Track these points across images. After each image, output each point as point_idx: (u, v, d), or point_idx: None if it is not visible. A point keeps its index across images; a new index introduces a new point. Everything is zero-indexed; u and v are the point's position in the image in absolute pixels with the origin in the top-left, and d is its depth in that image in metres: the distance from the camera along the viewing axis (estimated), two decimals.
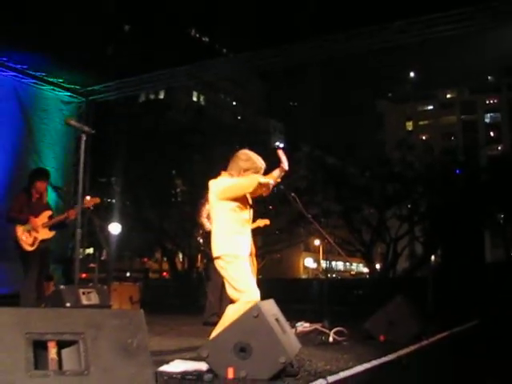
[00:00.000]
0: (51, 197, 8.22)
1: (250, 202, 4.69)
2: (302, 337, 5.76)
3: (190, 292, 15.37)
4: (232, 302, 4.45)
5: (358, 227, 19.72)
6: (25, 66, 10.61)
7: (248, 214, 4.65)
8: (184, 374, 3.60)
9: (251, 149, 4.97)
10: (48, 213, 6.79)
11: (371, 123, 75.92)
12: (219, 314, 5.72)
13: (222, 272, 4.48)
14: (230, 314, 4.28)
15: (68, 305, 5.71)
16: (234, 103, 70.01)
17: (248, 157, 4.69)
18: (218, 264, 4.52)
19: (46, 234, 6.69)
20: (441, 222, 17.62)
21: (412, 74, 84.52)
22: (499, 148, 66.95)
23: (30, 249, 6.55)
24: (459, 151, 28.76)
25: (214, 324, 4.70)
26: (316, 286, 16.21)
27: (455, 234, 16.05)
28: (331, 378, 3.73)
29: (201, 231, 7.41)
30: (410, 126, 79.40)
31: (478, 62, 77.88)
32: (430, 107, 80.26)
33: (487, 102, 76.74)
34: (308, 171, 20.12)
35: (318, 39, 10.05)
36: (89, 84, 11.68)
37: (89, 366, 2.41)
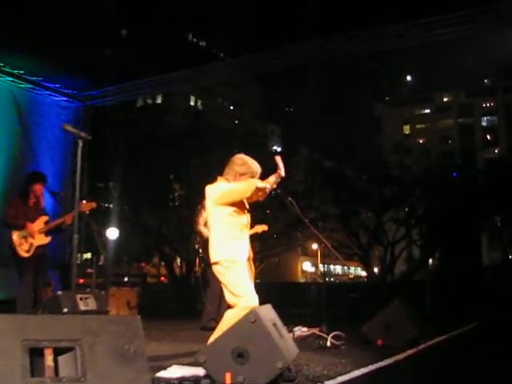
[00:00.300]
0: (49, 202, 8.20)
1: (247, 206, 4.69)
2: (300, 341, 5.76)
3: (188, 297, 15.34)
4: (230, 307, 4.45)
5: (356, 231, 19.72)
6: (22, 71, 10.61)
7: (246, 218, 4.64)
8: (181, 380, 3.60)
9: (248, 153, 4.97)
10: (44, 218, 6.76)
11: (368, 127, 76.07)
12: (217, 319, 5.72)
13: (220, 277, 4.47)
14: (228, 319, 4.27)
15: (65, 310, 5.69)
16: (232, 107, 70.05)
17: (243, 161, 4.70)
18: (215, 269, 4.51)
19: (42, 239, 6.66)
20: (438, 225, 17.64)
21: (409, 78, 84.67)
22: (496, 151, 67.06)
23: (25, 255, 6.52)
24: (456, 154, 28.79)
25: (212, 329, 4.70)
26: (314, 290, 16.21)
27: (453, 237, 16.08)
28: (329, 383, 3.73)
29: (199, 239, 7.40)
30: (407, 129, 79.49)
31: (474, 65, 78.05)
32: (427, 111, 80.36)
33: (484, 105, 76.87)
34: (306, 174, 20.13)
35: (316, 41, 10.05)
36: (86, 89, 11.69)
37: (85, 372, 2.40)
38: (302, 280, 53.32)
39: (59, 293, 6.25)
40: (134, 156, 17.57)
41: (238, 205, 4.55)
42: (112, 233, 13.89)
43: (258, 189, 4.49)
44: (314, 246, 43.89)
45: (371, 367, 4.53)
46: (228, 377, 3.58)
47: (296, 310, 10.70)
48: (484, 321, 8.90)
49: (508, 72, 66.96)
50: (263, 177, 4.76)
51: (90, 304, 6.35)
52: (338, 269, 61.49)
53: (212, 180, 4.72)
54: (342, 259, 16.59)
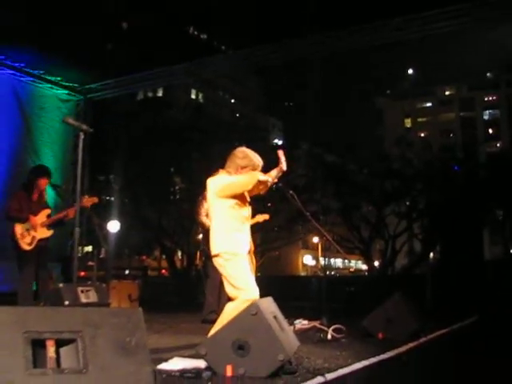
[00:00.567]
0: (50, 195, 8.20)
1: (249, 199, 4.70)
2: (301, 334, 5.77)
3: (189, 290, 15.38)
4: (230, 299, 4.46)
5: (357, 224, 19.73)
6: (22, 64, 10.59)
7: (247, 211, 4.65)
8: (183, 372, 3.61)
9: (249, 146, 4.97)
10: (47, 211, 6.78)
11: (370, 120, 75.95)
12: (218, 312, 5.73)
13: (221, 270, 4.48)
14: (229, 312, 4.28)
15: (66, 303, 5.72)
16: (233, 101, 69.94)
17: (245, 154, 4.70)
18: (216, 262, 4.52)
19: (44, 232, 6.68)
20: (439, 218, 17.64)
21: (410, 71, 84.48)
22: (498, 145, 66.95)
23: (28, 248, 6.54)
24: (458, 148, 28.73)
25: (213, 322, 4.70)
26: (314, 284, 16.23)
27: (454, 231, 16.07)
28: (330, 376, 3.74)
29: (200, 230, 7.41)
30: (408, 123, 79.36)
31: (476, 59, 77.82)
32: (429, 104, 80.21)
33: (486, 98, 76.71)
34: (307, 168, 20.12)
35: (318, 35, 10.04)
36: (87, 82, 11.67)
37: (87, 364, 2.41)
38: (302, 273, 53.39)
39: (61, 285, 6.27)
40: (135, 149, 17.58)
41: (240, 197, 4.55)
42: (113, 226, 13.89)
43: (259, 182, 4.50)
44: (315, 240, 43.92)
45: (372, 360, 4.53)
46: (229, 369, 3.60)
47: (296, 303, 10.72)
48: (485, 315, 8.91)
49: (511, 66, 66.78)
50: (265, 170, 4.76)
51: (91, 296, 6.37)
52: (338, 262, 61.54)
53: (213, 173, 4.72)
54: (343, 253, 16.57)
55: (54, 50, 9.67)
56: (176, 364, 3.80)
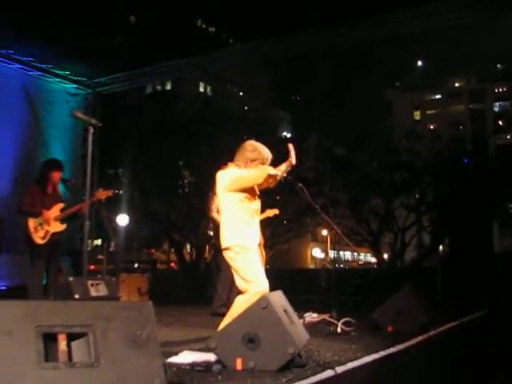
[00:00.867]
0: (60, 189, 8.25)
1: (258, 192, 4.70)
2: (310, 327, 5.78)
3: (198, 283, 15.40)
4: (240, 292, 4.47)
5: (366, 217, 19.65)
6: (31, 59, 10.64)
7: (256, 204, 4.66)
8: (193, 365, 3.61)
9: (258, 139, 4.97)
10: (60, 205, 6.80)
11: (379, 112, 75.62)
12: (227, 305, 5.75)
13: (231, 263, 4.50)
14: (239, 305, 4.30)
15: (77, 296, 5.74)
16: (241, 94, 69.84)
17: (254, 147, 4.70)
18: (226, 255, 4.54)
19: (57, 226, 6.71)
20: (449, 211, 17.55)
21: (420, 63, 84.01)
22: (508, 137, 66.49)
23: (40, 242, 6.57)
24: (467, 140, 28.59)
25: (223, 315, 4.72)
26: (324, 277, 16.22)
27: (463, 224, 16.00)
28: (339, 369, 3.74)
29: (211, 225, 7.42)
30: (417, 115, 79.02)
31: (487, 50, 77.29)
32: (438, 96, 79.80)
33: (496, 90, 76.20)
34: (316, 161, 20.05)
35: (325, 28, 10.02)
36: (95, 76, 11.71)
37: (99, 357, 2.42)
38: (311, 266, 53.41)
39: (71, 279, 6.30)
40: (144, 143, 17.59)
41: (249, 191, 4.56)
42: (122, 219, 13.94)
43: (269, 176, 4.50)
44: (324, 233, 43.94)
45: (382, 353, 4.53)
46: (239, 362, 3.60)
47: (306, 296, 10.72)
48: (495, 307, 8.87)
49: None
50: (274, 163, 4.76)
51: (101, 290, 6.39)
52: (347, 255, 61.48)
53: (222, 166, 4.72)
54: (352, 245, 16.53)
55: (62, 44, 9.71)
56: (186, 357, 3.81)
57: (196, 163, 18.21)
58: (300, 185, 4.84)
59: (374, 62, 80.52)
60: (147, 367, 2.52)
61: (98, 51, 10.44)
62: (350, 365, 3.96)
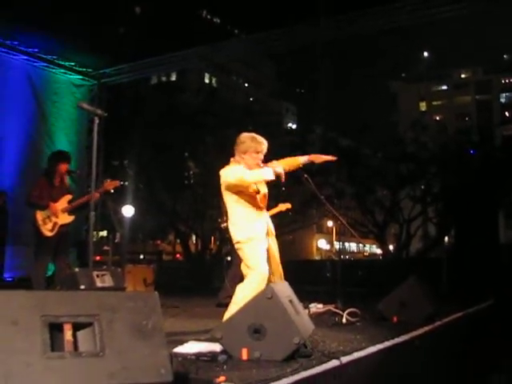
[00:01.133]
0: None
1: (262, 186, 4.76)
2: (316, 318, 5.79)
3: (204, 274, 15.45)
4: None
5: (371, 208, 19.62)
6: (36, 50, 10.63)
7: (262, 195, 4.74)
8: (198, 355, 3.62)
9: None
10: (68, 197, 6.81)
11: (384, 104, 75.34)
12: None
13: (240, 253, 4.69)
14: (239, 292, 4.57)
15: (82, 287, 5.75)
16: (247, 85, 69.71)
17: (244, 139, 4.77)
18: (237, 248, 4.73)
19: (65, 218, 6.73)
20: (454, 202, 17.50)
21: (425, 54, 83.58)
22: None
23: (49, 234, 6.59)
24: (474, 131, 28.42)
25: (228, 306, 4.74)
26: (329, 268, 16.21)
27: (469, 215, 15.95)
28: (345, 359, 3.74)
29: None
30: (423, 106, 78.66)
31: (493, 41, 76.81)
32: (444, 87, 79.41)
33: (502, 81, 75.75)
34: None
35: (330, 19, 9.98)
36: (100, 67, 11.68)
37: (104, 347, 2.43)
38: (317, 257, 53.42)
39: (76, 270, 6.32)
40: (149, 133, 17.58)
41: (250, 187, 4.66)
42: (127, 210, 13.95)
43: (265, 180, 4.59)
44: (330, 224, 43.90)
45: (387, 343, 4.53)
46: (244, 352, 3.61)
47: (311, 287, 10.73)
48: (501, 298, 8.87)
49: None
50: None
51: (107, 281, 6.41)
52: (353, 246, 61.49)
53: (226, 163, 4.79)
54: (358, 237, 16.55)
55: (67, 35, 9.69)
56: (191, 347, 3.82)
57: (201, 154, 18.20)
58: (306, 175, 4.86)
59: (379, 53, 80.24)
60: (153, 357, 2.53)
61: (104, 42, 10.41)
62: (356, 355, 3.97)
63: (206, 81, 60.93)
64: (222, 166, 4.79)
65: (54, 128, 11.17)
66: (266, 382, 3.01)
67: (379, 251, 26.77)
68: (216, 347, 3.75)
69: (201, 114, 18.40)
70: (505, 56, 77.07)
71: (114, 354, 2.43)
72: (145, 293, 3.48)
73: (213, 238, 18.95)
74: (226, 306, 4.91)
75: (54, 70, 11.26)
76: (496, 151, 20.74)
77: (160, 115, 18.40)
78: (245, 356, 3.60)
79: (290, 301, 3.92)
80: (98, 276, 6.28)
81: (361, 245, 59.67)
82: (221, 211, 7.20)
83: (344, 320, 5.90)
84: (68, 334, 2.40)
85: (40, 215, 6.63)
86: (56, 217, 6.63)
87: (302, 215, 20.43)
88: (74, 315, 2.45)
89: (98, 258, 13.54)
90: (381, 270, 16.33)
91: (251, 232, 4.60)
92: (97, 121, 4.90)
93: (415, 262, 17.45)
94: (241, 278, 5.45)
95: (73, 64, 11.40)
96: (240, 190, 4.64)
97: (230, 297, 6.56)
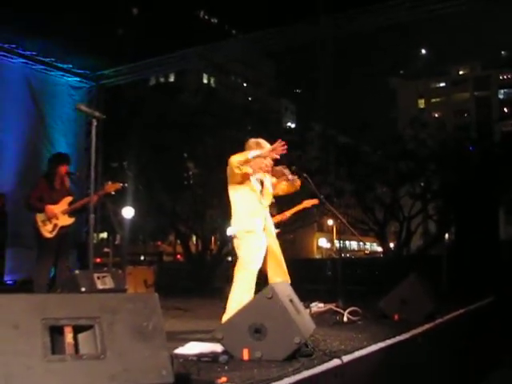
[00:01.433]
0: None
1: (260, 184, 4.82)
2: (317, 317, 5.79)
3: (204, 274, 15.44)
4: None
5: (371, 206, 19.59)
6: (34, 53, 10.63)
7: (257, 194, 4.87)
8: (199, 356, 3.63)
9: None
10: (68, 199, 6.81)
11: (383, 101, 75.29)
12: None
13: (236, 247, 4.85)
14: (233, 296, 4.71)
15: (83, 289, 5.75)
16: (245, 84, 69.69)
17: (250, 144, 4.97)
18: (235, 243, 4.85)
19: (66, 220, 6.74)
20: (454, 199, 17.49)
21: (424, 51, 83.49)
22: None
23: (49, 236, 6.59)
24: (472, 128, 28.43)
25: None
26: (330, 266, 16.20)
27: (469, 212, 15.95)
28: (346, 358, 3.74)
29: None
30: (422, 103, 78.63)
31: (491, 37, 76.79)
32: (443, 84, 79.36)
33: (501, 77, 75.71)
34: (320, 150, 19.95)
35: (330, 17, 9.99)
36: (98, 68, 11.68)
37: (105, 349, 2.43)
38: (317, 256, 53.41)
39: (77, 272, 6.31)
40: (147, 134, 17.55)
41: (250, 183, 4.76)
42: (127, 212, 13.94)
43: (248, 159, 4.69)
44: (330, 222, 43.86)
45: (388, 342, 4.53)
46: (246, 352, 3.62)
47: (312, 286, 10.72)
48: (501, 295, 8.86)
49: None
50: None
51: (108, 283, 6.40)
52: (353, 244, 61.49)
53: (226, 163, 4.88)
54: (358, 235, 16.51)
55: (64, 36, 9.67)
56: (193, 348, 3.82)
57: (200, 155, 18.17)
58: (305, 175, 4.90)
59: (378, 50, 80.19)
60: (154, 359, 2.53)
61: (101, 43, 10.41)
62: (357, 354, 3.97)
63: (205, 81, 60.91)
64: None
65: (53, 130, 11.17)
66: (267, 381, 3.01)
67: (380, 249, 26.78)
68: (217, 348, 3.75)
69: (199, 114, 18.38)
70: (503, 52, 77.03)
71: (115, 356, 2.43)
72: (144, 294, 3.48)
73: (213, 239, 18.94)
74: None
75: (51, 73, 11.26)
76: (495, 147, 20.73)
77: (159, 116, 18.38)
78: (246, 356, 3.61)
79: (291, 300, 3.92)
80: (98, 278, 6.27)
81: (361, 243, 59.62)
82: (221, 211, 7.22)
83: (345, 319, 5.90)
84: (69, 336, 2.40)
85: (39, 217, 6.63)
86: (56, 219, 6.63)
87: (303, 214, 20.40)
88: (75, 318, 2.45)
89: (98, 259, 13.54)
90: (381, 268, 16.33)
91: (250, 225, 4.74)
92: (95, 123, 4.91)
93: (416, 260, 17.46)
94: None
95: (71, 66, 11.40)
96: (241, 182, 4.79)
97: None
